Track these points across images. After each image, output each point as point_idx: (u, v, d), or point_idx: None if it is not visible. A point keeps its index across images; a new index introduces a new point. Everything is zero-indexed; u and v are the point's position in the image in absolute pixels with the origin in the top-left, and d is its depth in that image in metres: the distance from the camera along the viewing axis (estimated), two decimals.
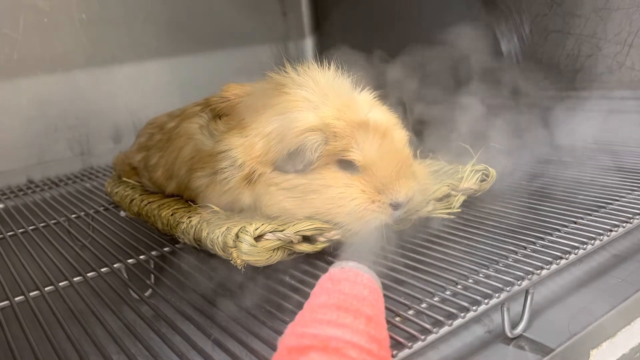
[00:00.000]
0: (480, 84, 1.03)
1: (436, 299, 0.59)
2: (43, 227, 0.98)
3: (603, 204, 0.78)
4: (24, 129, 1.38)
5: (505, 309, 0.58)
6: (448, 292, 0.60)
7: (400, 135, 0.71)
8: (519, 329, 0.60)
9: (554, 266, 0.62)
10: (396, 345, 0.52)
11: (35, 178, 1.37)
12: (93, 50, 1.46)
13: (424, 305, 0.58)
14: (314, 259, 0.70)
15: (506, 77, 1.25)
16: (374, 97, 0.73)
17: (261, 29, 1.73)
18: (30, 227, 0.97)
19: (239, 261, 0.64)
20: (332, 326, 0.46)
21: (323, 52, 0.73)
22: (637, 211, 0.74)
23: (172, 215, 0.78)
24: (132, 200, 0.90)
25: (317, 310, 0.48)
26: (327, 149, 0.66)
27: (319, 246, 0.68)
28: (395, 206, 0.66)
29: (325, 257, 0.70)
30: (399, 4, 1.53)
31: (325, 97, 0.69)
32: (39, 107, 1.39)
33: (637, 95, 1.07)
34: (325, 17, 1.81)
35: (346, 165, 0.67)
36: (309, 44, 1.86)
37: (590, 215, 0.75)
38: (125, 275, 0.75)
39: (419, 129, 0.84)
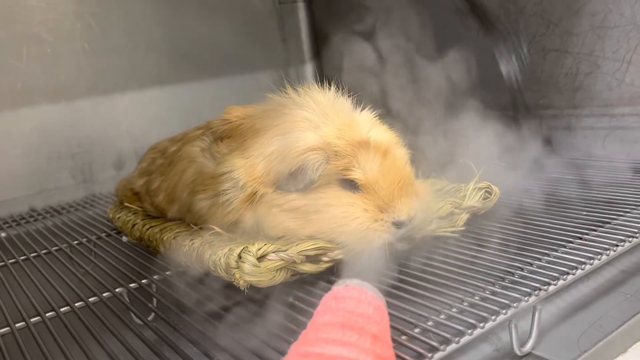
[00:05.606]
0: (480, 104, 1.03)
1: (442, 316, 0.58)
2: (45, 254, 0.97)
3: (608, 220, 0.78)
4: (27, 158, 1.38)
5: (513, 326, 0.57)
6: (454, 310, 0.59)
7: (401, 153, 0.71)
8: (527, 347, 0.58)
9: (561, 282, 0.62)
10: None
11: (37, 206, 1.36)
12: (95, 79, 1.47)
13: (430, 323, 0.57)
14: (317, 280, 0.69)
15: (507, 97, 1.26)
16: (374, 117, 0.74)
17: (261, 55, 1.75)
18: (32, 254, 0.97)
19: (241, 282, 0.63)
20: (337, 345, 0.44)
21: (323, 77, 0.74)
22: None
23: (174, 238, 0.78)
24: (134, 225, 0.89)
25: (322, 329, 0.47)
26: (328, 168, 0.66)
27: (322, 266, 0.68)
28: (398, 225, 0.66)
29: (329, 277, 0.70)
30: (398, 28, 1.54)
31: (326, 117, 0.69)
32: (42, 135, 1.39)
33: (637, 112, 1.07)
34: (325, 43, 1.83)
35: (348, 184, 0.67)
36: (309, 69, 1.88)
37: (595, 230, 0.75)
38: (127, 299, 0.75)
39: (419, 149, 0.84)
